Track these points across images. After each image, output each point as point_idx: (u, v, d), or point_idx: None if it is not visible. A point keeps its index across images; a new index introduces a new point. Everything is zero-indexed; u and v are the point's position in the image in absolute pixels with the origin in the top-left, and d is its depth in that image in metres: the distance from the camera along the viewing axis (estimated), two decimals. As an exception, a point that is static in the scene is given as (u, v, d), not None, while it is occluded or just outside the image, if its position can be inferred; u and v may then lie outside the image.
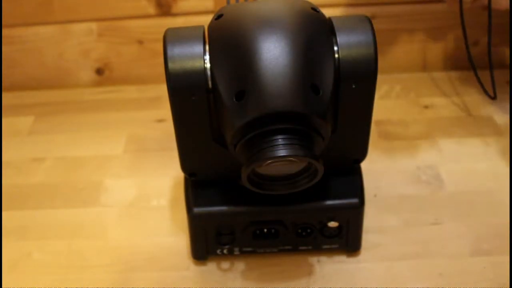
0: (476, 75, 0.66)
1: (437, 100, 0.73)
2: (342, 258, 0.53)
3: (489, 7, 0.60)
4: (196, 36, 0.41)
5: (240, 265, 0.52)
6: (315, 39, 0.40)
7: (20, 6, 0.72)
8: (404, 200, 0.58)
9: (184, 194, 0.49)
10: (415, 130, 0.68)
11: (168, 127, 0.46)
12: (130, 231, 0.57)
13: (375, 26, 0.41)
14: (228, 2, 0.47)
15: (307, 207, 0.48)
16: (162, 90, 0.44)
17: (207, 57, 0.40)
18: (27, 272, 0.53)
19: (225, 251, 0.51)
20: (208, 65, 0.40)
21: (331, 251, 0.53)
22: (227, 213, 0.48)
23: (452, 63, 0.78)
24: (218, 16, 0.42)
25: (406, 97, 0.74)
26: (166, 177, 0.62)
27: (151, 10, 0.73)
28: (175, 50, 0.40)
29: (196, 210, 0.48)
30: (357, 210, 0.49)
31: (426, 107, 0.71)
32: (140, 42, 0.75)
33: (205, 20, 0.43)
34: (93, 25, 0.74)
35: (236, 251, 0.51)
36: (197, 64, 0.40)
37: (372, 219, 0.56)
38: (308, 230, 0.50)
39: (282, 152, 0.38)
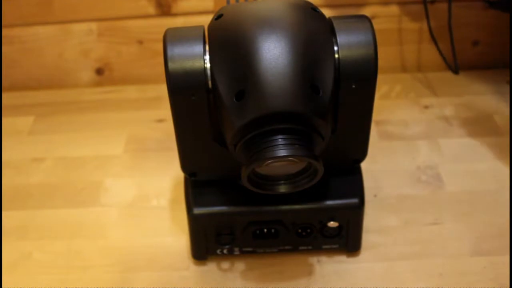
0: (437, 48, 0.67)
1: (437, 100, 0.73)
2: (342, 258, 0.53)
3: None
4: (196, 36, 0.41)
5: (240, 265, 0.52)
6: (315, 39, 0.40)
7: (20, 6, 0.72)
8: (404, 200, 0.58)
9: (184, 194, 0.49)
10: (415, 130, 0.68)
11: (168, 127, 0.46)
12: (130, 231, 0.57)
13: (375, 26, 0.41)
14: (228, 2, 0.46)
15: (307, 207, 0.48)
16: (162, 90, 0.44)
17: (207, 57, 0.40)
18: (27, 272, 0.53)
19: (225, 251, 0.51)
20: (208, 65, 0.40)
21: (331, 251, 0.53)
22: (227, 213, 0.48)
23: (452, 63, 0.78)
24: (218, 16, 0.42)
25: (406, 97, 0.74)
26: (166, 177, 0.62)
27: (151, 10, 0.73)
28: (175, 50, 0.40)
29: (196, 210, 0.48)
30: (357, 210, 0.49)
31: (426, 107, 0.71)
32: (140, 42, 0.75)
33: (205, 20, 0.43)
34: (93, 25, 0.74)
35: (236, 251, 0.51)
36: (197, 64, 0.40)
37: (372, 219, 0.56)
38: (308, 230, 0.50)
39: (282, 152, 0.38)
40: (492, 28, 0.73)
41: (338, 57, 0.40)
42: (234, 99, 0.38)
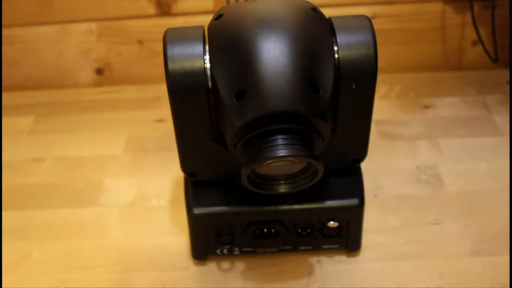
0: (479, 38, 0.67)
1: (437, 100, 0.73)
2: (342, 258, 0.53)
3: None
4: (196, 36, 0.41)
5: (240, 265, 0.52)
6: (315, 39, 0.40)
7: (19, 6, 0.72)
8: (404, 200, 0.58)
9: (184, 194, 0.49)
10: (415, 130, 0.68)
11: (168, 127, 0.46)
12: (130, 231, 0.57)
13: (375, 26, 0.41)
14: (228, 2, 0.46)
15: (307, 207, 0.48)
16: (162, 90, 0.44)
17: (207, 57, 0.40)
18: (27, 272, 0.53)
19: (225, 251, 0.51)
20: (208, 65, 0.40)
21: (331, 251, 0.53)
22: (227, 213, 0.48)
23: (452, 63, 0.78)
24: (218, 16, 0.42)
25: (406, 97, 0.74)
26: (166, 177, 0.62)
27: (151, 10, 0.73)
28: (175, 50, 0.40)
29: (196, 210, 0.48)
30: (357, 210, 0.49)
31: (426, 107, 0.71)
32: (140, 42, 0.75)
33: (205, 20, 0.43)
34: (93, 25, 0.74)
35: (236, 251, 0.51)
36: (197, 64, 0.40)
37: (372, 219, 0.56)
38: (308, 230, 0.50)
39: (282, 152, 0.38)
40: (492, 28, 0.73)
41: (338, 57, 0.40)
42: (234, 99, 0.38)
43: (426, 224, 0.56)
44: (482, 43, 0.68)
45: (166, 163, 0.64)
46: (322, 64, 0.39)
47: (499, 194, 0.58)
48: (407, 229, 0.55)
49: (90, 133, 0.70)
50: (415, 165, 0.63)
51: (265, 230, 0.50)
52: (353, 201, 0.48)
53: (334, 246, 0.51)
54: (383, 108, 0.71)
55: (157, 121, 0.71)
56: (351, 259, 0.53)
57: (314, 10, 0.42)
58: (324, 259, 0.53)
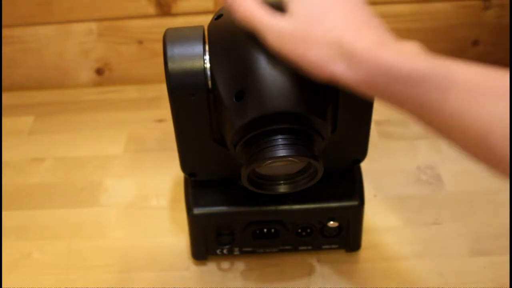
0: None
1: (437, 100, 0.72)
2: (342, 258, 0.53)
3: None
4: (196, 36, 0.41)
5: (240, 265, 0.52)
6: (315, 39, 0.40)
7: (19, 6, 0.72)
8: (404, 200, 0.58)
9: (184, 194, 0.49)
10: (415, 130, 0.68)
11: (168, 127, 0.46)
12: (130, 231, 0.57)
13: (375, 26, 0.41)
14: (228, 2, 0.46)
15: (307, 207, 0.48)
16: (162, 90, 0.44)
17: (207, 57, 0.40)
18: (27, 272, 0.53)
19: (225, 251, 0.51)
20: (208, 65, 0.40)
21: (331, 251, 0.53)
22: (227, 213, 0.48)
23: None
24: (218, 16, 0.42)
25: (406, 97, 0.73)
26: (166, 177, 0.62)
27: (151, 10, 0.73)
28: (175, 50, 0.40)
29: (196, 210, 0.48)
30: (357, 210, 0.49)
31: (426, 107, 0.71)
32: (140, 42, 0.75)
33: (205, 20, 0.43)
34: (93, 25, 0.74)
35: (236, 251, 0.51)
36: (197, 64, 0.40)
37: (372, 219, 0.56)
38: (308, 230, 0.50)
39: (282, 152, 0.38)
40: (492, 28, 0.73)
41: (338, 57, 0.40)
42: (234, 99, 0.38)
43: (426, 224, 0.56)
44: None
45: (166, 163, 0.64)
46: (322, 64, 0.39)
47: (499, 194, 0.58)
48: (407, 229, 0.55)
49: (90, 133, 0.70)
50: (415, 165, 0.63)
51: (265, 230, 0.50)
52: (353, 201, 0.48)
53: (334, 246, 0.51)
54: (383, 108, 0.71)
55: (157, 121, 0.71)
56: (351, 259, 0.53)
57: (314, 10, 0.42)
58: (324, 259, 0.53)
